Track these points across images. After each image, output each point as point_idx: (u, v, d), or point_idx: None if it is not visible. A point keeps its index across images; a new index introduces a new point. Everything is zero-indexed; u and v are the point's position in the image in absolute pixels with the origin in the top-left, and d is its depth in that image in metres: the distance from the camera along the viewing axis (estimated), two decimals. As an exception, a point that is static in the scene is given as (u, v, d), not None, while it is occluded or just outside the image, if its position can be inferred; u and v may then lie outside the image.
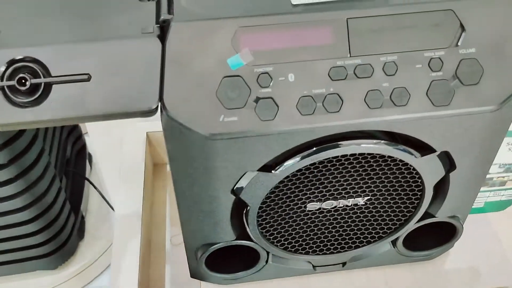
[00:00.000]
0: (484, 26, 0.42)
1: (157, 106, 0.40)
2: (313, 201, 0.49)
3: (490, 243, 0.63)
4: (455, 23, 0.42)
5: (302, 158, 0.43)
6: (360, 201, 0.50)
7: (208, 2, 0.42)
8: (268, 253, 0.54)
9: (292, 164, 0.44)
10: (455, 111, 0.42)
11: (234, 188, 0.45)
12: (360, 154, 0.45)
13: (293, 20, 0.41)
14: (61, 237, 0.84)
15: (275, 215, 0.50)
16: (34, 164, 0.72)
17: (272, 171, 0.44)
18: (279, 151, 0.42)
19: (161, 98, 0.40)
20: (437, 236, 0.58)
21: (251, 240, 0.52)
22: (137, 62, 0.40)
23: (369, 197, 0.50)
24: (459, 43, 0.42)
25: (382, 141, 0.44)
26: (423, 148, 0.45)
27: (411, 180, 0.48)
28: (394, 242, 0.56)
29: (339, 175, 0.47)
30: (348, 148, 0.43)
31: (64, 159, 0.89)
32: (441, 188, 0.50)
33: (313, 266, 0.58)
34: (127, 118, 0.40)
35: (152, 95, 0.40)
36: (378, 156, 0.45)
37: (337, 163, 0.46)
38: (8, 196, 0.71)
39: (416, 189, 0.49)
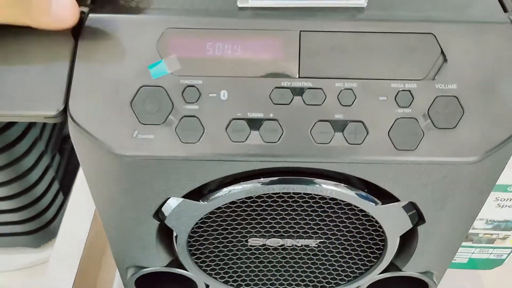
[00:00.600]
0: (471, 58, 0.33)
1: (63, 111, 0.34)
2: (256, 236, 0.42)
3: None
4: (435, 50, 0.33)
5: (233, 190, 0.36)
6: (312, 243, 0.43)
7: None
8: (208, 285, 0.48)
9: (222, 196, 0.37)
10: (421, 159, 0.34)
11: (158, 212, 0.39)
12: (306, 194, 0.38)
13: (235, 25, 0.34)
14: (46, 215, 0.79)
15: (210, 246, 0.43)
16: (20, 138, 0.67)
17: (200, 201, 0.37)
18: (203, 180, 0.36)
19: (66, 103, 0.34)
20: (409, 287, 0.50)
21: (185, 268, 0.45)
22: (42, 57, 0.34)
23: (322, 240, 0.42)
24: (436, 76, 0.33)
25: (342, 184, 0.37)
26: (388, 195, 0.37)
27: (371, 229, 0.41)
28: (355, 290, 0.49)
29: (283, 212, 0.40)
30: (290, 186, 0.36)
31: (60, 136, 0.85)
32: (409, 240, 0.42)
33: (261, 304, 0.51)
34: (28, 121, 0.34)
35: (57, 98, 0.34)
36: (328, 198, 0.38)
37: (280, 200, 0.38)
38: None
39: (378, 238, 0.42)
